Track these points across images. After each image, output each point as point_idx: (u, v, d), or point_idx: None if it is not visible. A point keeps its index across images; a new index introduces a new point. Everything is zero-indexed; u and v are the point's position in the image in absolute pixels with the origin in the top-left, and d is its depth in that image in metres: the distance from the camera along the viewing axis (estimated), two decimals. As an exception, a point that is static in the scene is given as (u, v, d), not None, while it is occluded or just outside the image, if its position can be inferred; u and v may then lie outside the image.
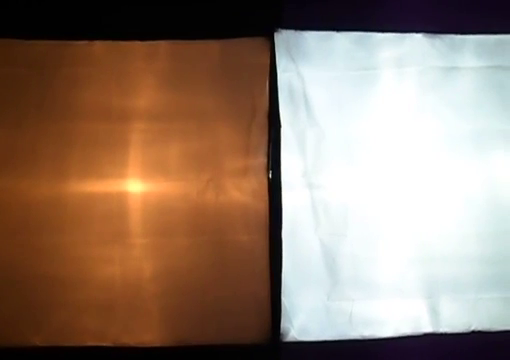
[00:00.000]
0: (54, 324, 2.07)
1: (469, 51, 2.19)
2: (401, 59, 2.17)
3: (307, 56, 2.15)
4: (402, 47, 2.17)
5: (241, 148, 2.13)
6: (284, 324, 2.10)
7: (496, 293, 2.15)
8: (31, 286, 2.06)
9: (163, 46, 2.13)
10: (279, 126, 2.13)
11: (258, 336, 2.09)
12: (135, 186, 2.12)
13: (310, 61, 2.15)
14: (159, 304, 2.09)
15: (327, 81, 2.15)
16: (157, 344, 2.09)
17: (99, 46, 2.12)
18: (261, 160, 2.12)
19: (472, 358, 2.15)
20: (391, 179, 2.16)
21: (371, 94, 2.16)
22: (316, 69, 2.16)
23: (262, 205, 2.11)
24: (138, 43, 2.13)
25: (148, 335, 2.09)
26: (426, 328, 2.15)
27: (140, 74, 2.13)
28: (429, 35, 2.18)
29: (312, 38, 2.15)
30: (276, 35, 2.14)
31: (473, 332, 2.15)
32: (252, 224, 2.11)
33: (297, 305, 2.11)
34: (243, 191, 2.11)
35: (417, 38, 2.18)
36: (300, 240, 2.12)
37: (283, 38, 2.14)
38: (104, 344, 2.07)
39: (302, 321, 2.11)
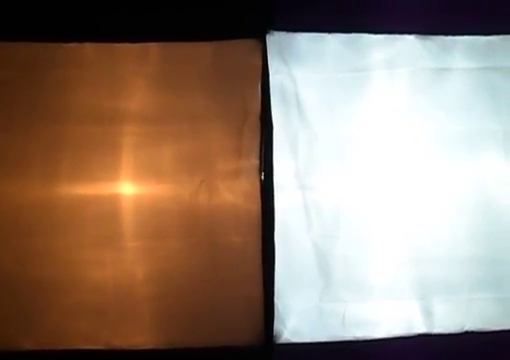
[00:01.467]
0: (45, 327, 2.06)
1: (460, 52, 2.19)
2: (392, 60, 2.17)
3: (299, 58, 2.15)
4: (393, 48, 2.18)
5: (233, 150, 2.12)
6: (277, 326, 2.10)
7: (488, 293, 2.16)
8: (22, 289, 2.05)
9: (154, 48, 2.12)
10: (271, 128, 2.13)
11: (251, 338, 2.09)
12: (127, 188, 2.12)
13: (302, 63, 2.15)
14: (151, 306, 2.09)
15: (319, 83, 2.15)
16: (149, 346, 2.08)
17: (89, 48, 2.11)
18: (253, 162, 2.12)
19: (465, 358, 2.15)
20: (383, 181, 2.16)
21: (363, 96, 2.17)
22: (308, 71, 2.16)
23: (254, 207, 2.10)
24: (129, 45, 2.11)
25: (140, 337, 2.08)
26: (419, 329, 2.15)
27: (131, 76, 2.12)
28: (420, 36, 2.18)
29: (304, 40, 2.15)
30: (268, 37, 2.13)
31: (466, 332, 2.15)
32: (244, 226, 2.10)
33: (290, 307, 2.11)
34: (235, 193, 2.11)
35: (408, 39, 2.18)
36: (292, 242, 2.11)
37: (275, 40, 2.14)
38: (96, 347, 2.07)
39: (295, 323, 2.11)
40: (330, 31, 2.16)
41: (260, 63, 2.13)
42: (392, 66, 2.17)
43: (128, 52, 2.12)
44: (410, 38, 2.18)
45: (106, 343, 2.07)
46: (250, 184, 2.11)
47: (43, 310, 2.07)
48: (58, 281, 2.06)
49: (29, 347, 2.06)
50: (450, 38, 2.19)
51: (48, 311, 2.07)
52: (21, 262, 2.06)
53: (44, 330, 2.07)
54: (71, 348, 2.07)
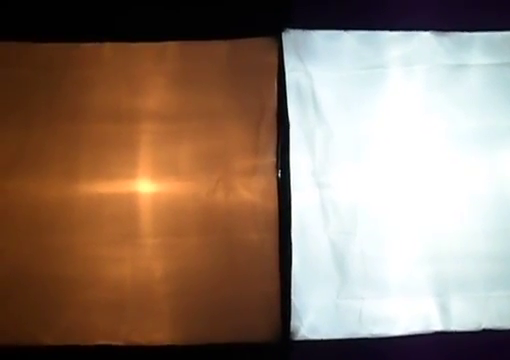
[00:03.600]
0: (65, 323, 2.08)
1: (477, 48, 2.18)
2: (409, 57, 2.17)
3: (315, 55, 2.15)
4: (410, 45, 2.17)
5: (250, 148, 2.13)
6: (294, 322, 2.10)
7: (506, 291, 2.14)
8: (42, 286, 2.08)
9: (171, 47, 2.14)
10: (288, 125, 2.13)
11: (268, 335, 2.09)
12: (145, 186, 2.13)
13: (318, 60, 2.15)
14: (169, 303, 2.11)
15: (335, 80, 2.15)
16: (168, 343, 2.10)
17: (107, 48, 2.13)
18: (270, 159, 2.13)
19: (483, 356, 2.14)
20: (399, 177, 2.16)
21: (379, 93, 2.16)
22: (324, 68, 2.16)
23: (271, 204, 2.11)
24: (146, 44, 2.13)
25: (159, 334, 2.10)
26: (436, 326, 2.14)
27: (149, 75, 2.14)
28: (437, 33, 2.17)
29: (320, 37, 2.15)
30: (284, 35, 2.14)
31: (483, 330, 2.14)
32: (262, 223, 2.11)
33: (307, 303, 2.11)
34: (252, 190, 2.12)
35: (425, 36, 2.17)
36: (309, 239, 2.12)
37: (291, 38, 2.14)
38: (115, 343, 2.09)
39: (312, 319, 2.11)
40: (346, 28, 2.15)
41: (276, 61, 2.14)
42: (408, 63, 2.17)
43: (145, 51, 2.14)
44: (427, 35, 2.17)
45: (125, 339, 2.09)
46: (267, 182, 2.12)
47: (62, 306, 2.09)
48: (77, 278, 2.09)
49: (49, 342, 2.08)
50: (466, 34, 2.18)
51: (67, 307, 2.09)
52: (41, 259, 2.09)
53: (63, 326, 2.09)
54: (90, 344, 2.09)
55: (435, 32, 2.17)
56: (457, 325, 2.14)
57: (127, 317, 2.10)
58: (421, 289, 2.14)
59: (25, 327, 2.08)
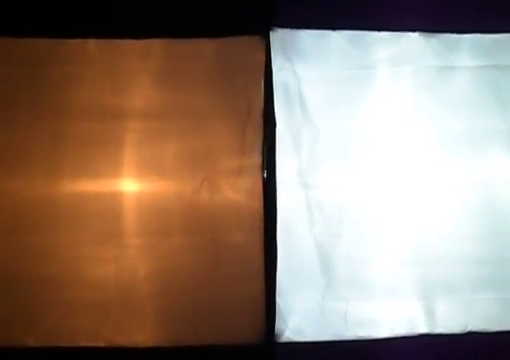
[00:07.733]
0: (47, 324, 2.06)
1: (465, 50, 2.18)
2: (397, 58, 2.16)
3: (303, 55, 2.14)
4: (398, 46, 2.16)
5: (236, 147, 2.12)
6: (278, 324, 2.09)
7: (492, 294, 2.14)
8: (23, 286, 2.05)
9: (157, 45, 2.12)
10: (274, 125, 2.12)
11: (252, 336, 2.08)
12: (129, 185, 2.11)
13: (306, 60, 2.15)
14: (153, 304, 2.09)
15: (323, 80, 2.15)
16: (150, 344, 2.08)
17: (93, 44, 2.10)
18: (256, 159, 2.11)
19: (468, 359, 2.14)
20: (386, 179, 2.15)
21: (367, 93, 2.16)
22: (312, 68, 2.15)
23: (257, 205, 2.10)
24: (132, 42, 2.11)
25: (141, 335, 2.08)
26: (421, 329, 2.14)
27: (134, 73, 2.11)
28: (425, 34, 2.17)
29: (308, 37, 2.14)
30: (271, 34, 2.13)
31: (469, 333, 2.14)
32: (247, 224, 2.10)
33: (292, 305, 2.10)
34: (238, 190, 2.11)
35: (413, 37, 2.17)
36: (295, 240, 2.11)
37: (278, 37, 2.13)
38: (97, 344, 2.06)
39: (297, 321, 2.10)
40: (334, 28, 2.14)
41: (263, 60, 2.12)
42: (396, 64, 2.16)
43: (131, 48, 2.12)
44: (415, 36, 2.17)
45: (107, 340, 2.07)
46: (252, 182, 2.10)
47: (45, 307, 2.07)
48: (60, 278, 2.06)
49: (30, 344, 2.05)
50: (455, 36, 2.18)
51: (50, 308, 2.07)
52: (23, 259, 2.06)
53: (45, 327, 2.06)
54: (72, 345, 2.06)
55: (423, 33, 2.17)
56: (443, 327, 2.14)
57: (110, 318, 2.08)
58: (407, 291, 2.14)
59: (7, 328, 2.05)
